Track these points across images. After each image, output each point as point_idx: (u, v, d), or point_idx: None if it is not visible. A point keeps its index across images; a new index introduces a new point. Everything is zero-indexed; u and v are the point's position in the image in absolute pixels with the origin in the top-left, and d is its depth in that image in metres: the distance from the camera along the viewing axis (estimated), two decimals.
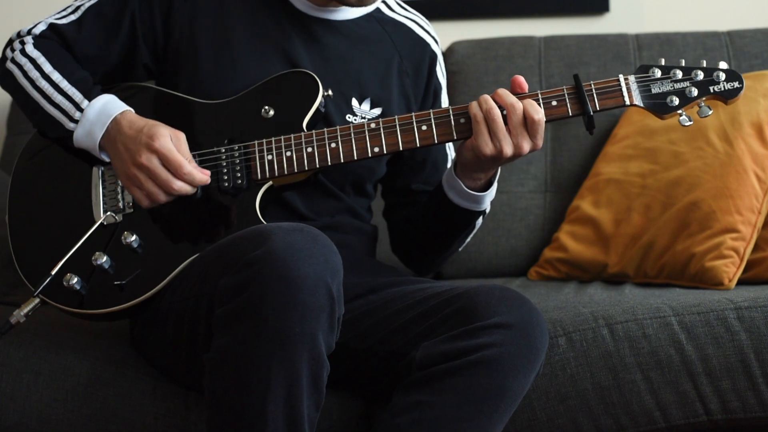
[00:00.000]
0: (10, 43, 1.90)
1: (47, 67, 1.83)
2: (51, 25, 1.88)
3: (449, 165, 2.00)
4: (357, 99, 1.89)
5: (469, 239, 1.99)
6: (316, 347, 1.53)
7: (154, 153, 1.72)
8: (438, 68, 2.00)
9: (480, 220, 1.93)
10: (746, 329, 1.83)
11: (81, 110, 1.79)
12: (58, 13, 1.91)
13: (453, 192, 1.84)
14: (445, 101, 2.02)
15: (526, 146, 1.73)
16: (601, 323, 1.84)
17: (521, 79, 1.77)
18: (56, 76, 1.82)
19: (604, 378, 1.81)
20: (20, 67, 1.84)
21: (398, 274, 1.93)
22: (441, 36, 2.08)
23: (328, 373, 1.57)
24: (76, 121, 1.79)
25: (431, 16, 2.17)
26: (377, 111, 1.91)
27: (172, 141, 1.74)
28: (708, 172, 2.23)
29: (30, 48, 1.85)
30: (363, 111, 1.90)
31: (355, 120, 1.88)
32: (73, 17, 1.89)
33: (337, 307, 1.56)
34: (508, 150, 1.72)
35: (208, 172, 1.76)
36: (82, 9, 1.89)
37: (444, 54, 2.57)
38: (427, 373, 1.63)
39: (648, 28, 2.67)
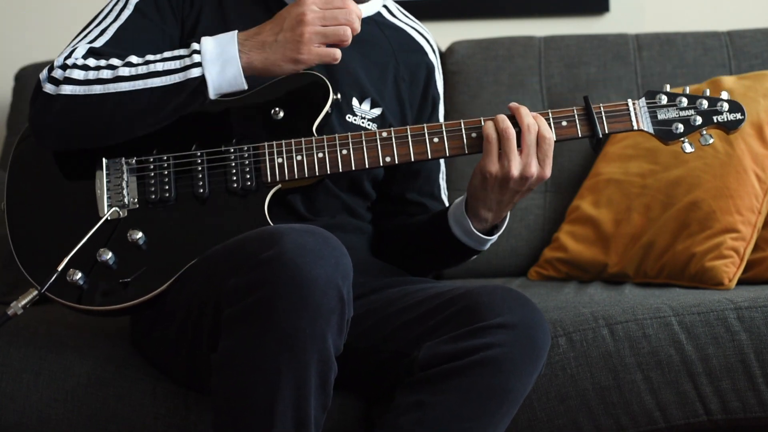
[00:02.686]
0: (41, 83, 1.73)
1: (116, 61, 1.72)
2: (91, 49, 1.77)
3: (441, 177, 2.01)
4: (357, 99, 1.89)
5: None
6: (325, 349, 1.53)
7: (312, 3, 1.67)
8: (437, 76, 2.00)
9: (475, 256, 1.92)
10: (746, 329, 1.83)
11: (197, 52, 1.69)
12: (83, 38, 1.80)
13: (458, 228, 1.84)
14: (441, 111, 2.04)
15: (533, 168, 1.72)
16: (601, 323, 1.84)
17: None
18: (135, 59, 1.72)
19: (604, 378, 1.81)
20: (82, 81, 1.70)
21: (399, 273, 1.93)
22: (441, 36, 2.08)
23: (336, 375, 1.57)
24: (199, 64, 1.68)
25: (431, 16, 2.18)
26: (377, 111, 1.91)
27: None
28: (708, 172, 2.23)
29: (81, 62, 1.73)
30: (363, 111, 1.89)
31: (355, 120, 1.88)
32: (104, 38, 1.79)
33: (347, 310, 1.56)
34: (515, 170, 1.71)
35: None
36: (112, 30, 1.80)
37: (444, 54, 2.58)
38: (429, 374, 1.63)
39: (648, 28, 2.67)
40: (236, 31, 1.71)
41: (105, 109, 1.71)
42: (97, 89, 1.70)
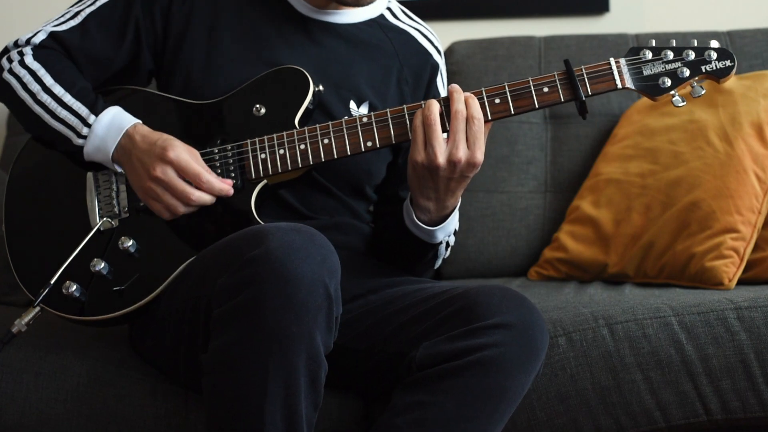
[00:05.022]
0: (6, 52, 1.87)
1: (48, 80, 1.81)
2: (52, 34, 1.85)
3: None
4: (355, 102, 1.89)
5: (438, 263, 1.96)
6: (313, 347, 1.53)
7: (169, 164, 1.71)
8: (439, 79, 1.99)
9: (443, 250, 1.91)
10: (746, 329, 1.83)
11: (88, 126, 1.77)
12: (56, 19, 1.88)
13: (407, 218, 1.84)
14: None
15: (461, 152, 1.69)
16: (601, 323, 1.84)
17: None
18: (58, 90, 1.80)
19: (604, 378, 1.81)
20: (19, 78, 1.82)
21: (397, 273, 1.92)
22: (441, 36, 2.08)
23: (326, 373, 1.57)
24: (84, 137, 1.78)
25: (431, 16, 2.18)
26: (373, 113, 1.90)
27: (187, 153, 1.73)
28: (708, 172, 2.23)
29: (29, 59, 1.83)
30: (361, 114, 1.89)
31: None
32: (73, 23, 1.86)
33: (335, 307, 1.56)
34: (441, 158, 1.69)
35: (230, 182, 1.74)
36: (83, 15, 1.87)
37: (444, 54, 2.58)
38: (427, 374, 1.63)
39: (648, 28, 2.67)
40: (131, 125, 1.77)
41: (21, 112, 1.84)
42: (23, 95, 1.82)
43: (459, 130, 1.70)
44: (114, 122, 1.77)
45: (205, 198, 1.73)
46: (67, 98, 1.79)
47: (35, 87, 1.81)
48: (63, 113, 1.79)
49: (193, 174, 1.71)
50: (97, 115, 1.78)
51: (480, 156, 1.71)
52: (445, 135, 1.72)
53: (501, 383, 1.62)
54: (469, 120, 1.71)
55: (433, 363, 1.63)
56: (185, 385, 1.81)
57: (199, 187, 1.72)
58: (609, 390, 1.81)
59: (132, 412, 1.81)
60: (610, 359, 1.82)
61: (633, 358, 1.81)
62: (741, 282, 2.16)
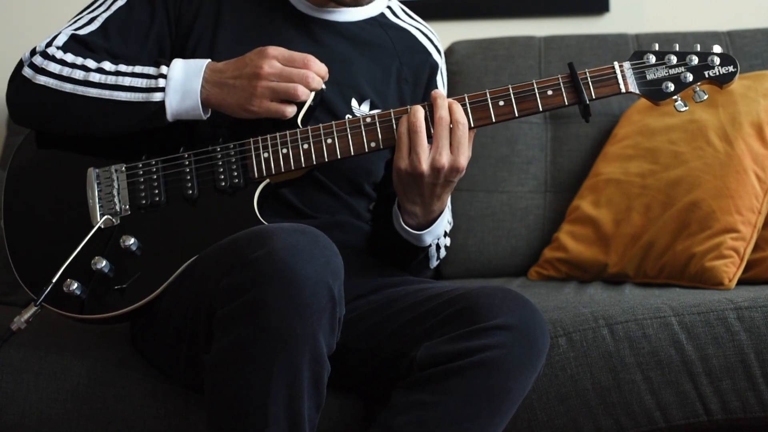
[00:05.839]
0: (22, 65, 1.80)
1: (91, 63, 1.75)
2: (73, 36, 1.81)
3: None
4: (357, 100, 1.89)
5: (434, 264, 1.96)
6: (317, 348, 1.53)
7: (273, 58, 1.70)
8: (439, 77, 1.99)
9: (434, 252, 1.91)
10: (746, 329, 1.83)
11: (163, 76, 1.72)
12: (71, 25, 1.84)
13: (396, 221, 1.84)
14: None
15: (444, 158, 1.70)
16: (601, 323, 1.84)
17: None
18: (108, 66, 1.75)
19: (605, 378, 1.81)
20: (55, 75, 1.75)
21: (398, 273, 1.92)
22: (441, 36, 2.08)
23: (329, 374, 1.57)
24: (162, 89, 1.72)
25: (431, 16, 2.18)
26: (376, 113, 1.90)
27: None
28: (708, 172, 2.23)
29: (60, 54, 1.77)
30: (362, 112, 1.89)
31: None
32: (91, 27, 1.83)
33: (338, 308, 1.56)
34: (424, 164, 1.70)
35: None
36: (100, 20, 1.83)
37: (444, 54, 2.57)
38: (428, 374, 1.63)
39: (648, 28, 2.67)
40: (207, 61, 1.74)
41: (71, 108, 1.76)
42: (68, 87, 1.75)
43: (442, 136, 1.71)
44: (188, 65, 1.73)
45: (317, 80, 1.72)
46: (123, 67, 1.74)
47: (79, 74, 1.75)
48: (127, 80, 1.73)
49: (300, 58, 1.70)
50: (167, 65, 1.73)
51: (464, 161, 1.71)
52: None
53: (503, 384, 1.62)
54: (453, 125, 1.71)
55: (434, 363, 1.63)
56: (185, 384, 1.81)
57: (310, 68, 1.71)
58: (609, 390, 1.81)
59: (132, 412, 1.81)
60: (610, 359, 1.82)
61: (633, 359, 1.81)
62: (741, 282, 2.16)
